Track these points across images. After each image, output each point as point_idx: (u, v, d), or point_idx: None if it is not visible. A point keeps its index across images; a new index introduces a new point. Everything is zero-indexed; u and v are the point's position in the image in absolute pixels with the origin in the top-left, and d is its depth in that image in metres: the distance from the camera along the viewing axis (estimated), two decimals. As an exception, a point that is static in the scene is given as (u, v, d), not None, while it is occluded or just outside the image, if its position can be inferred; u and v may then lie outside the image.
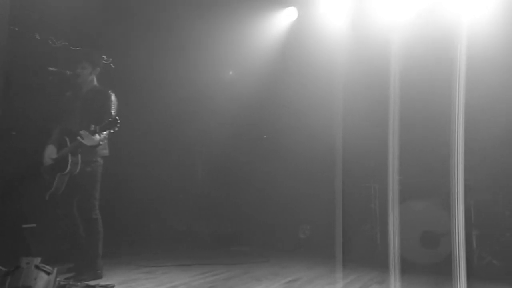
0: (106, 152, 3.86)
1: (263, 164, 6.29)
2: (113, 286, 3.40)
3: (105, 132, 3.57)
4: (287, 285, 3.65)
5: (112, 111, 3.71)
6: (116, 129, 3.51)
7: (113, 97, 3.80)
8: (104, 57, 4.06)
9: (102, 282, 3.52)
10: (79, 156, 3.64)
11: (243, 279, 3.85)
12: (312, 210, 5.66)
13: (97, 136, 3.49)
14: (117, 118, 3.49)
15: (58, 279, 3.05)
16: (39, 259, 2.78)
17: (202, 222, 6.09)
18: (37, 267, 2.74)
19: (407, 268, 4.16)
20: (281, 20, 5.87)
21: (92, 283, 3.44)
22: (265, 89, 6.00)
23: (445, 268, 4.04)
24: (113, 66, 4.70)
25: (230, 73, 6.51)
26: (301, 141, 5.86)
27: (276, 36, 5.89)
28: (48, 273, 2.79)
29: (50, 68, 3.65)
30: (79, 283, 3.35)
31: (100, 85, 3.95)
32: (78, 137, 3.49)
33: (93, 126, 3.47)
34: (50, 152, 3.76)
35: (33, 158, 3.84)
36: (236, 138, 6.30)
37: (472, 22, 4.50)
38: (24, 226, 4.14)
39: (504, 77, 4.55)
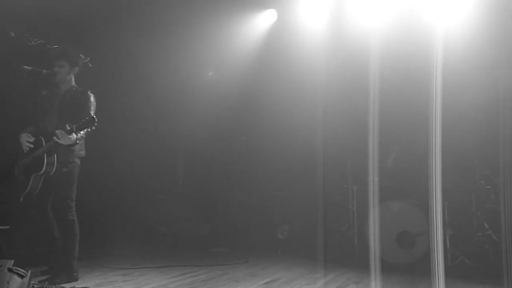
0: (83, 153, 3.81)
1: (243, 165, 6.30)
2: (89, 288, 3.36)
3: (82, 132, 3.52)
4: (265, 286, 3.67)
5: (91, 111, 3.67)
6: (94, 128, 3.47)
7: (92, 98, 3.76)
8: (82, 56, 4.01)
9: (78, 284, 3.47)
10: (55, 156, 3.58)
11: (221, 280, 3.85)
12: (291, 211, 5.70)
13: (73, 135, 3.45)
14: (94, 117, 3.44)
15: (32, 282, 2.99)
16: (12, 261, 2.71)
17: (182, 223, 6.06)
18: (10, 270, 2.68)
19: (385, 268, 4.23)
20: (261, 22, 5.88)
21: (67, 285, 3.39)
22: (245, 90, 6.00)
23: (421, 267, 4.13)
24: (90, 65, 4.64)
25: (210, 74, 6.50)
26: (281, 142, 5.89)
27: (255, 38, 5.89)
28: (22, 276, 2.73)
29: (25, 67, 3.58)
30: (54, 286, 3.29)
31: (79, 84, 3.89)
32: (54, 137, 3.43)
33: (68, 125, 3.42)
34: (26, 137, 3.67)
35: (6, 159, 3.75)
36: (216, 139, 6.29)
37: (449, 25, 4.60)
38: (-3, 228, 4.06)
39: (480, 79, 4.66)
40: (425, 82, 4.39)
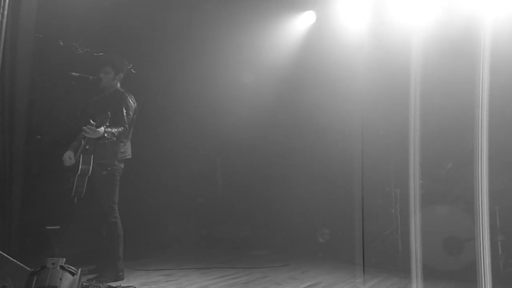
0: (125, 155, 3.90)
1: (282, 168, 6.27)
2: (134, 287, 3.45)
3: (115, 130, 3.61)
4: (306, 289, 3.64)
5: (124, 110, 3.75)
6: (121, 129, 3.64)
7: (129, 99, 3.86)
8: (126, 62, 4.14)
9: (123, 283, 3.57)
10: (92, 156, 3.68)
11: (262, 282, 3.85)
12: (331, 215, 5.61)
13: (102, 129, 3.51)
14: (126, 120, 3.58)
15: (81, 280, 3.10)
16: (64, 259, 2.81)
17: (222, 226, 6.11)
18: (62, 267, 2.78)
19: (429, 274, 4.08)
20: (299, 24, 5.86)
21: (114, 284, 3.49)
22: (283, 93, 5.99)
23: (468, 275, 3.95)
24: (134, 72, 4.78)
25: (249, 77, 6.52)
26: (321, 145, 5.82)
27: (294, 40, 5.88)
28: (73, 274, 2.83)
29: (73, 73, 3.74)
30: (101, 285, 3.40)
31: (124, 89, 4.02)
32: (82, 133, 3.54)
33: (93, 120, 3.52)
34: (67, 156, 3.83)
35: (58, 161, 3.93)
36: (255, 142, 6.30)
37: (496, 20, 4.39)
38: (48, 227, 4.25)
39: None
40: (470, 81, 4.22)
